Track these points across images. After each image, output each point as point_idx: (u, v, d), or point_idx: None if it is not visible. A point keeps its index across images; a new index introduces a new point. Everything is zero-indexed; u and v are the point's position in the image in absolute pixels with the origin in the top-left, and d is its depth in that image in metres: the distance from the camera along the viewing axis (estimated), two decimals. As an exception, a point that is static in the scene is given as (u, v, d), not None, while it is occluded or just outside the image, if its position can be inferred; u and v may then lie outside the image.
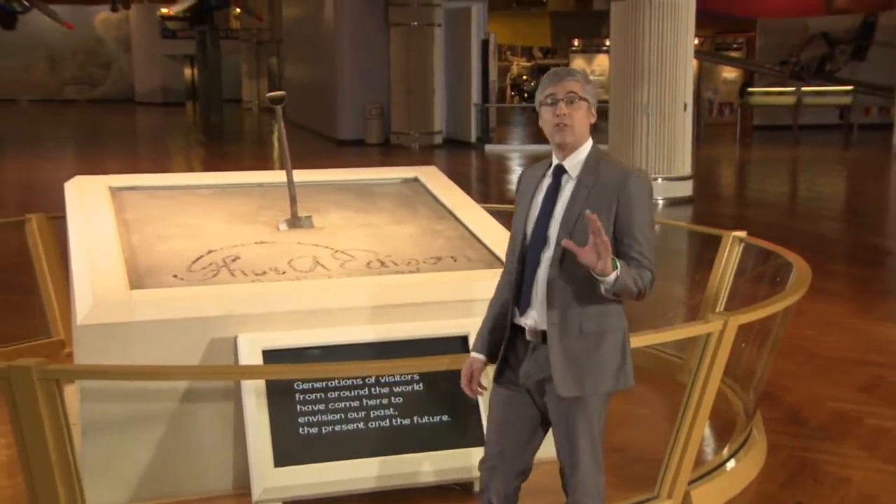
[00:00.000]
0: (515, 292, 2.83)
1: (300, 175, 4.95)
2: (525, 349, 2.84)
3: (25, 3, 25.23)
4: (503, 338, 2.90)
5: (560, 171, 2.79)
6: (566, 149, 2.78)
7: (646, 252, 2.71)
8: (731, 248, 5.33)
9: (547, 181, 2.82)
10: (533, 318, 2.79)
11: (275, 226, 4.64)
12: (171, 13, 30.75)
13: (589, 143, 2.80)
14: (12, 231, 6.24)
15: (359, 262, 4.36)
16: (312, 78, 25.79)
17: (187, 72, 40.64)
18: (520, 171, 2.95)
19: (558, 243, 2.70)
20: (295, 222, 4.65)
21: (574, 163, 2.78)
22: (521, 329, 2.84)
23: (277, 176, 5.10)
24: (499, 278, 3.00)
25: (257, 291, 3.97)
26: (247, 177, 5.35)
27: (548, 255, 2.75)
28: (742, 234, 5.34)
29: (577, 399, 2.75)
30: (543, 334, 2.77)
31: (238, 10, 32.09)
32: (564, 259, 2.70)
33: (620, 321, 2.81)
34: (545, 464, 3.07)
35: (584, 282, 2.68)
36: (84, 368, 3.54)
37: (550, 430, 2.89)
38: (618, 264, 2.60)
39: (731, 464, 4.23)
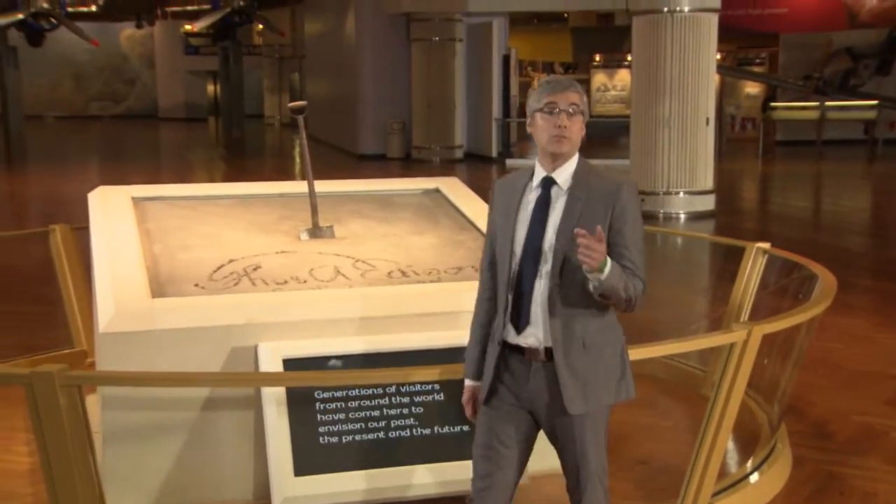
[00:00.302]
0: (512, 311, 2.73)
1: (321, 185, 4.96)
2: (524, 370, 2.74)
3: (53, 20, 25.51)
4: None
5: (549, 183, 2.72)
6: (559, 160, 2.71)
7: (637, 261, 2.69)
8: (755, 260, 5.28)
9: (534, 194, 2.73)
10: (535, 337, 2.71)
11: (296, 235, 4.65)
12: (195, 29, 31.01)
13: (577, 156, 2.75)
14: (37, 243, 6.30)
15: (380, 271, 4.35)
16: (334, 93, 25.91)
17: (210, 88, 40.98)
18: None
19: (556, 257, 2.65)
20: (316, 232, 4.65)
21: (564, 175, 2.71)
22: (516, 348, 2.74)
23: (298, 186, 5.11)
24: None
25: (278, 300, 3.97)
26: (268, 187, 5.36)
27: (545, 269, 2.67)
28: (765, 245, 5.30)
29: (584, 414, 2.72)
30: (546, 352, 2.70)
31: (261, 26, 32.32)
32: (564, 273, 2.65)
33: (618, 333, 2.78)
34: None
35: (584, 295, 2.65)
36: (105, 375, 3.56)
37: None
38: (608, 262, 2.55)
39: (755, 477, 4.18)
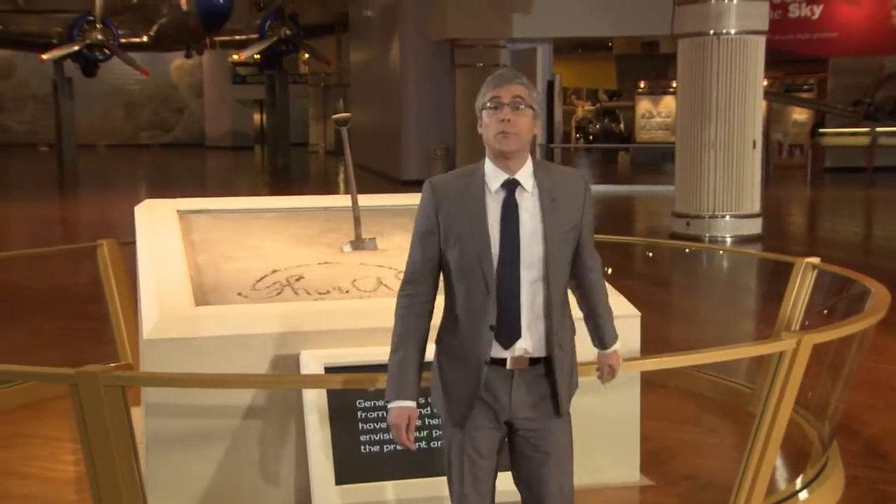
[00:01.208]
0: (499, 325, 2.52)
1: (364, 200, 4.96)
2: (505, 382, 2.56)
3: (106, 51, 26.05)
4: (419, 377, 2.63)
5: (514, 186, 2.55)
6: (509, 157, 2.54)
7: (593, 248, 2.73)
8: (804, 276, 5.17)
9: (496, 197, 2.55)
10: (524, 347, 2.54)
11: (339, 247, 4.65)
12: (242, 58, 31.49)
13: (528, 155, 2.62)
14: (85, 261, 6.39)
15: (422, 282, 4.32)
16: (378, 120, 26.10)
17: (256, 117, 41.48)
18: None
19: (542, 262, 2.53)
20: (359, 244, 4.65)
21: (526, 175, 2.57)
22: (497, 361, 2.55)
23: (341, 200, 5.14)
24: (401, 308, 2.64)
25: (320, 309, 3.97)
26: (311, 201, 5.40)
27: (530, 276, 2.53)
28: (815, 260, 5.19)
29: (565, 419, 2.66)
30: (535, 360, 2.57)
31: (307, 55, 32.71)
32: (551, 278, 2.54)
33: (572, 327, 2.70)
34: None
35: (561, 297, 2.60)
36: (148, 376, 3.58)
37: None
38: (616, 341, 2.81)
39: (804, 494, 4.07)
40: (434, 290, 2.65)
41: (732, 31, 12.70)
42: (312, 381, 3.65)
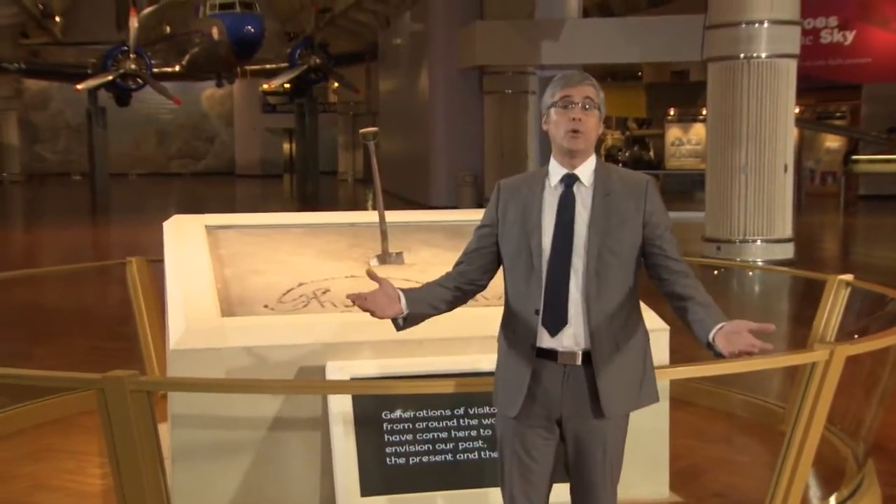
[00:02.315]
0: (546, 312, 2.59)
1: (391, 216, 4.96)
2: (556, 377, 2.60)
3: (139, 80, 26.46)
4: (424, 312, 2.76)
5: (572, 180, 2.63)
6: (576, 156, 2.63)
7: (678, 257, 2.65)
8: (837, 293, 5.10)
9: (555, 192, 2.63)
10: (572, 338, 2.58)
11: (365, 262, 4.64)
12: (273, 87, 31.85)
13: (594, 155, 2.67)
14: (116, 285, 6.43)
15: (449, 296, 4.30)
16: (407, 147, 26.22)
17: (286, 146, 41.86)
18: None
19: (590, 254, 2.56)
20: (386, 258, 4.65)
21: (586, 172, 2.64)
22: (548, 354, 2.60)
23: (368, 217, 5.13)
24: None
25: (347, 320, 3.95)
26: (338, 217, 5.41)
27: (580, 267, 2.57)
28: (848, 277, 5.11)
29: (614, 420, 2.63)
30: (582, 355, 2.58)
31: (336, 84, 33.01)
32: (600, 271, 2.56)
33: (644, 335, 2.70)
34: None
35: (617, 294, 2.58)
36: (174, 380, 3.57)
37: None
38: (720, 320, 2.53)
39: (839, 512, 3.99)
40: (480, 275, 2.78)
41: (763, 55, 12.65)
42: (339, 387, 3.64)
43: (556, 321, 2.58)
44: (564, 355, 2.60)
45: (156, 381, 3.21)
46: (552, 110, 2.64)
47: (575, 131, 2.59)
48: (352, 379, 3.72)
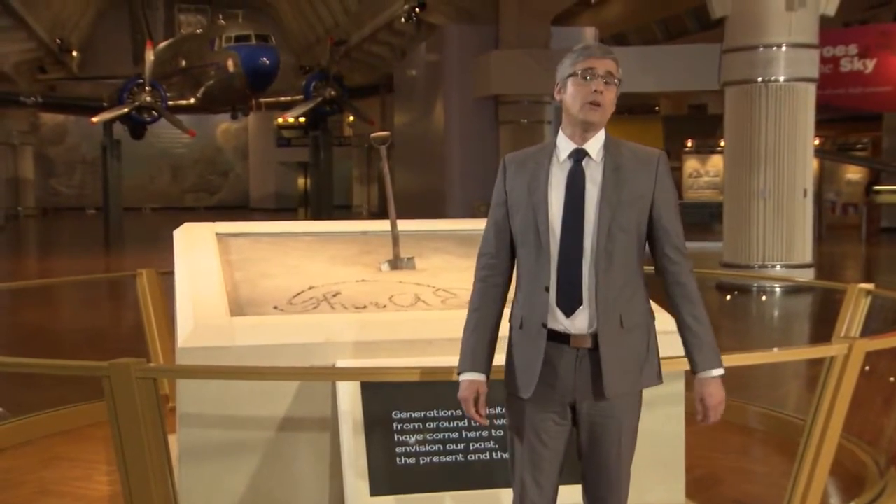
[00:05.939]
0: (560, 291, 2.51)
1: (403, 224, 4.93)
2: (569, 359, 2.53)
3: (154, 113, 26.66)
4: (493, 351, 2.65)
5: (581, 155, 2.56)
6: (590, 129, 2.56)
7: (681, 240, 2.58)
8: (857, 302, 5.01)
9: (563, 166, 2.56)
10: (585, 319, 2.51)
11: (376, 267, 4.61)
12: (288, 119, 32.06)
13: (604, 130, 2.61)
14: (127, 309, 6.41)
15: (460, 299, 4.25)
16: (422, 178, 26.26)
17: (300, 180, 42.05)
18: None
19: (601, 231, 2.49)
20: (397, 263, 4.60)
21: (595, 147, 2.57)
22: (560, 336, 2.53)
23: (379, 225, 5.10)
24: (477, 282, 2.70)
25: (356, 320, 3.90)
26: (349, 225, 5.38)
27: (590, 244, 2.50)
28: (869, 286, 5.03)
29: (625, 402, 2.57)
30: (592, 338, 2.51)
31: (351, 117, 33.19)
32: (611, 248, 2.49)
33: (649, 315, 2.63)
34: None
35: (623, 269, 2.52)
36: (181, 368, 3.52)
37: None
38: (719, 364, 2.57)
39: (861, 518, 3.89)
40: (508, 262, 2.68)
41: (781, 79, 12.60)
42: (350, 374, 3.59)
43: (571, 302, 2.52)
44: (577, 338, 2.53)
45: (163, 368, 3.17)
46: (570, 80, 2.56)
47: (594, 103, 2.52)
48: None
